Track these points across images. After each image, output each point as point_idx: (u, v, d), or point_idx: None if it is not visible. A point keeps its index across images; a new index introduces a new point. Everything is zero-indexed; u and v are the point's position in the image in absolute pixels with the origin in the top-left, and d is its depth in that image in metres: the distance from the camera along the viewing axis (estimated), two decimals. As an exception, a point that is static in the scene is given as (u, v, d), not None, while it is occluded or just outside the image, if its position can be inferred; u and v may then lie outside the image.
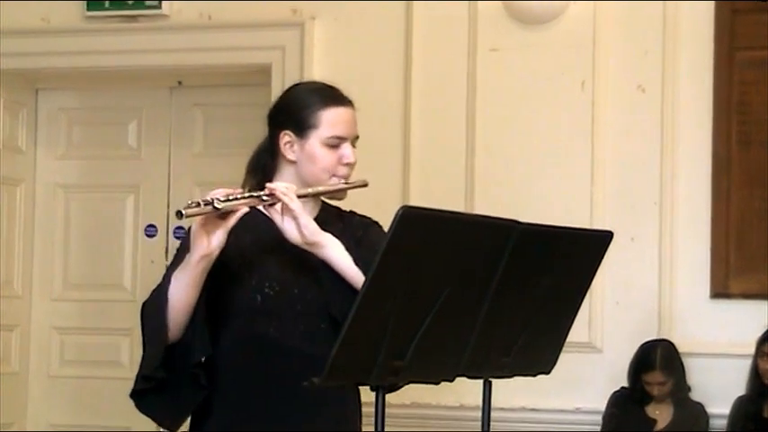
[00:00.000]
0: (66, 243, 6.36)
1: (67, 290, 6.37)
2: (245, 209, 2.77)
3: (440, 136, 5.51)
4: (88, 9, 5.93)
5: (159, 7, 5.84)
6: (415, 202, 5.15)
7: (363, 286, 2.32)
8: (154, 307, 2.81)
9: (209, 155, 6.15)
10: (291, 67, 5.63)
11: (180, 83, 6.24)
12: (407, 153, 5.52)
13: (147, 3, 5.85)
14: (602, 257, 2.79)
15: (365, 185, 2.96)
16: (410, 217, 2.30)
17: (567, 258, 2.69)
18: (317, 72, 5.53)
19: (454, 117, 5.49)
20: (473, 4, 5.47)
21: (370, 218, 3.05)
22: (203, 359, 2.81)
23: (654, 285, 5.29)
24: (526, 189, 5.38)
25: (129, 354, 6.14)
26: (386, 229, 2.35)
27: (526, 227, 2.52)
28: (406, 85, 5.55)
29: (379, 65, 5.60)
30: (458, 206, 5.20)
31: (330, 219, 2.94)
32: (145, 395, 2.83)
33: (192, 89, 6.24)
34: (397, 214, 2.28)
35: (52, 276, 6.37)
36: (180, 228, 5.97)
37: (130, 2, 5.88)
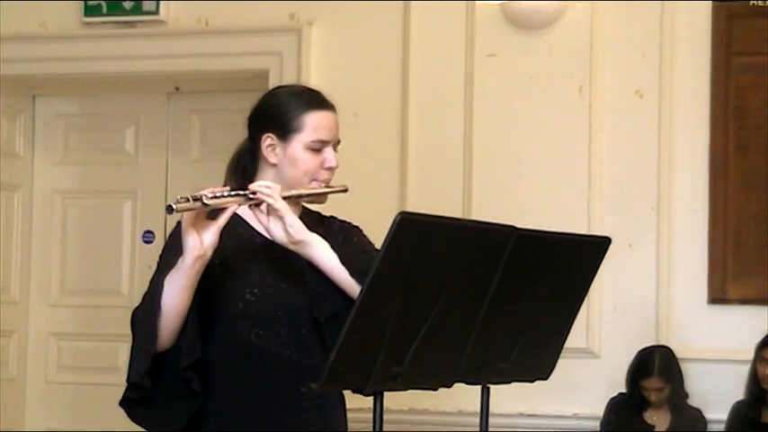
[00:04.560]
0: (63, 249, 6.36)
1: (65, 296, 6.37)
2: (235, 207, 2.76)
3: (437, 141, 5.51)
4: (85, 15, 5.93)
5: (157, 13, 5.84)
6: (413, 207, 5.15)
7: (361, 292, 2.31)
8: (145, 314, 2.78)
9: (206, 160, 6.14)
10: (289, 72, 5.63)
11: (177, 89, 6.24)
12: (405, 158, 5.52)
13: (145, 9, 5.85)
14: (600, 263, 2.79)
15: (345, 191, 2.94)
16: (408, 223, 2.30)
17: (565, 264, 2.69)
18: (315, 77, 5.53)
19: (452, 122, 5.49)
20: (470, 8, 5.48)
21: (350, 222, 3.04)
22: (194, 363, 2.79)
23: (651, 291, 5.29)
24: (523, 194, 5.38)
25: (126, 360, 6.11)
26: (380, 235, 2.34)
27: (523, 233, 2.51)
28: (403, 90, 5.55)
29: (377, 70, 5.60)
30: (455, 212, 5.21)
31: (311, 223, 2.92)
32: (136, 404, 2.81)
33: (189, 95, 6.24)
34: (394, 220, 2.28)
35: (50, 282, 6.37)
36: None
37: (128, 8, 5.88)
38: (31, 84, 6.28)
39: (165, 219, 6.20)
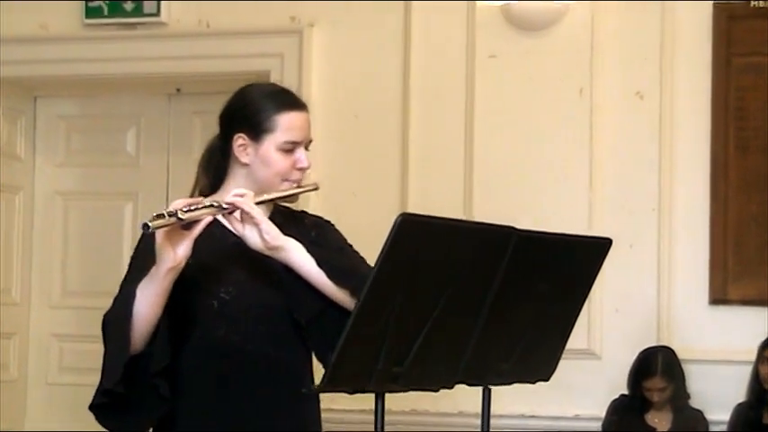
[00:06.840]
0: (64, 250, 6.36)
1: (66, 297, 6.37)
2: (209, 218, 2.75)
3: (438, 142, 5.51)
4: (87, 17, 5.93)
5: (158, 15, 5.85)
6: (414, 208, 5.15)
7: (362, 293, 2.32)
8: (117, 320, 2.81)
9: (207, 162, 6.14)
10: (290, 74, 5.62)
11: (178, 90, 6.24)
12: (406, 159, 5.52)
13: (146, 10, 5.86)
14: (602, 264, 2.79)
15: (316, 189, 2.95)
16: (409, 224, 2.30)
17: (566, 265, 2.69)
18: (316, 79, 5.53)
19: (453, 123, 5.49)
20: (471, 10, 5.48)
21: (321, 217, 3.05)
22: (164, 369, 2.79)
23: (653, 292, 5.29)
24: (524, 196, 5.38)
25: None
26: (382, 236, 2.35)
27: (524, 234, 2.52)
28: (404, 91, 5.55)
29: (378, 72, 5.60)
30: (456, 213, 5.21)
31: (284, 220, 2.92)
32: (105, 409, 2.83)
33: (190, 96, 6.24)
34: (396, 221, 2.28)
35: (51, 284, 6.37)
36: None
37: (129, 9, 5.88)
38: (32, 85, 6.28)
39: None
